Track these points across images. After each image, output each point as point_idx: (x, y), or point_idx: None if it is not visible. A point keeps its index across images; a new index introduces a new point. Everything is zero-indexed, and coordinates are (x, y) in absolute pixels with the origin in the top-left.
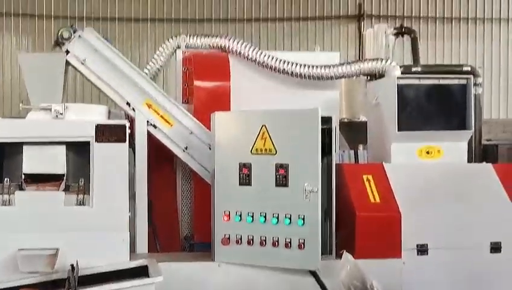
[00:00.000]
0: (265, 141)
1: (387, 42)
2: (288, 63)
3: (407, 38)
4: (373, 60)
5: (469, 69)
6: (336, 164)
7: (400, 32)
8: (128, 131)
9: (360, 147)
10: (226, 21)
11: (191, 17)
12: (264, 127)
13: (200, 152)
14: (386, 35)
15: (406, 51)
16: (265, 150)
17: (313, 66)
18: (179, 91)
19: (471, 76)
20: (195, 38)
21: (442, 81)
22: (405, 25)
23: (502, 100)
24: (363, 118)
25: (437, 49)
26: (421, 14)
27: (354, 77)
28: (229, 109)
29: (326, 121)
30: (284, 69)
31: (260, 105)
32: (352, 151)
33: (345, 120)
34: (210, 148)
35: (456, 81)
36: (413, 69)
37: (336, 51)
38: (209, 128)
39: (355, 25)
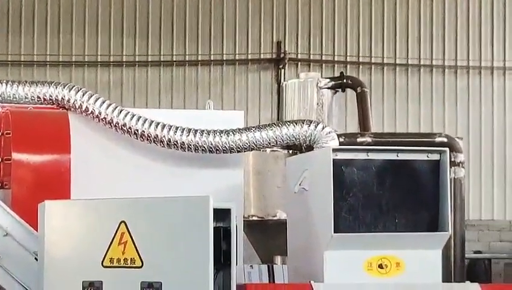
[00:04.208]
0: (125, 246)
1: (320, 98)
2: (163, 126)
3: (351, 93)
4: (296, 122)
5: (445, 139)
6: (237, 285)
7: (339, 83)
8: None
9: (277, 259)
10: (69, 65)
11: (13, 56)
12: (123, 224)
13: (18, 264)
14: (318, 89)
15: (349, 112)
16: (125, 260)
17: (201, 132)
18: None
19: (447, 150)
20: (15, 86)
21: (402, 156)
22: (348, 73)
23: (498, 192)
24: (281, 215)
25: (398, 110)
26: (372, 60)
27: (268, 150)
28: (68, 196)
29: (222, 215)
30: (157, 136)
31: (119, 191)
32: (264, 266)
33: (254, 218)
34: (36, 258)
35: (424, 157)
36: (359, 139)
37: (240, 108)
38: (35, 226)
39: (271, 72)
